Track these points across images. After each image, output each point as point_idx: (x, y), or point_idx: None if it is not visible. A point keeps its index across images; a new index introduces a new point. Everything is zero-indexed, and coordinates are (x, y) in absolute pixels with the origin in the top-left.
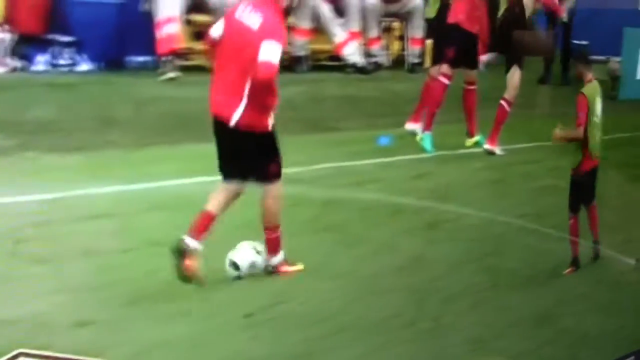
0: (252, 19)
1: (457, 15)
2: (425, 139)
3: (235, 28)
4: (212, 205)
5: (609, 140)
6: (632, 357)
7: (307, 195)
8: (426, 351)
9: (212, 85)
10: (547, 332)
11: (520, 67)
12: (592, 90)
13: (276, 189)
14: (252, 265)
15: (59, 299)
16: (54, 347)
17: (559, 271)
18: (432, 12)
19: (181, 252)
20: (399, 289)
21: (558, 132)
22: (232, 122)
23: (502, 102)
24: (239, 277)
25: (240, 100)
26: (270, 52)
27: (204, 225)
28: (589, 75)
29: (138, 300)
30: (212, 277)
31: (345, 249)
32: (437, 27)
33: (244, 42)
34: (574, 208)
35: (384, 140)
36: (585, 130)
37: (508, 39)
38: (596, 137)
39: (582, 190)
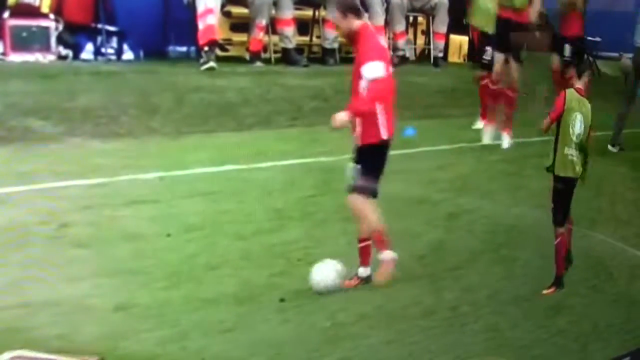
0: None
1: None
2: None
3: (387, 55)
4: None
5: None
6: (628, 358)
7: (335, 184)
8: (444, 339)
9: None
10: (558, 323)
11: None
12: (576, 99)
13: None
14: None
15: (99, 282)
16: (91, 329)
17: (573, 263)
18: None
19: None
20: (419, 278)
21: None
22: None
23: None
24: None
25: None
26: None
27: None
28: (577, 87)
29: (176, 284)
30: (250, 262)
31: None
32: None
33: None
34: (558, 219)
35: (408, 132)
36: (557, 139)
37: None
38: (564, 152)
39: (560, 197)
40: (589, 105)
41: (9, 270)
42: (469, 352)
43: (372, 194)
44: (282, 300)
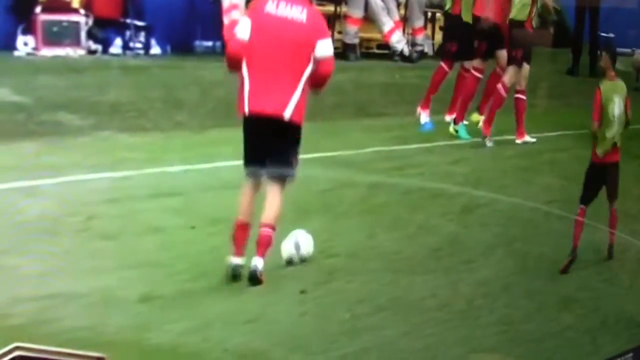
0: (295, 12)
1: (483, 7)
2: (460, 129)
3: (278, 24)
4: (245, 214)
5: (631, 131)
6: (631, 354)
7: (354, 178)
8: (459, 332)
9: (251, 84)
10: (569, 316)
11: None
12: (611, 87)
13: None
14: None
15: (125, 274)
16: (115, 321)
17: (583, 257)
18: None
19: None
20: (435, 270)
21: None
22: (286, 115)
23: (517, 94)
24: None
25: (293, 93)
26: (327, 48)
27: (243, 238)
28: (611, 73)
29: (200, 276)
30: (272, 254)
31: (387, 230)
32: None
33: (294, 37)
34: (582, 198)
35: (427, 126)
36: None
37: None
38: (606, 134)
39: (592, 180)
40: (622, 84)
41: (36, 262)
42: (482, 344)
43: (246, 175)
44: (302, 292)
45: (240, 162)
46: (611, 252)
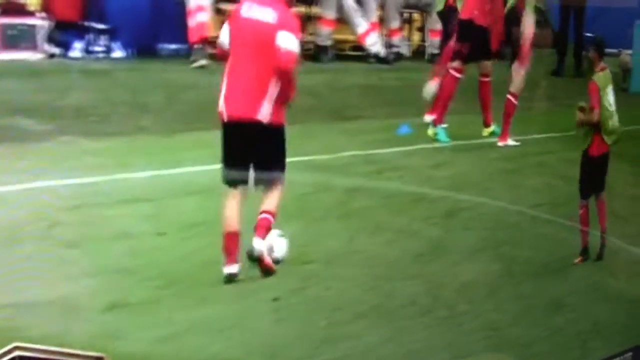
0: (264, 13)
1: (470, 10)
2: (439, 132)
3: (247, 26)
4: (231, 224)
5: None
6: (631, 353)
7: (332, 182)
8: (443, 338)
9: (226, 88)
10: (558, 320)
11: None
12: (603, 78)
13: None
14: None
15: (91, 282)
16: (83, 329)
17: (572, 260)
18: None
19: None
20: (417, 276)
21: (580, 115)
22: (261, 118)
23: (509, 95)
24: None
25: (265, 95)
26: (289, 41)
27: (235, 246)
28: (601, 64)
29: (170, 283)
30: (243, 260)
31: (367, 235)
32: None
33: (262, 38)
34: (584, 193)
35: (403, 129)
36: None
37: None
38: (609, 124)
39: (592, 175)
40: (609, 73)
41: None
42: (467, 350)
43: (227, 183)
44: (275, 299)
45: (210, 166)
46: (602, 253)
